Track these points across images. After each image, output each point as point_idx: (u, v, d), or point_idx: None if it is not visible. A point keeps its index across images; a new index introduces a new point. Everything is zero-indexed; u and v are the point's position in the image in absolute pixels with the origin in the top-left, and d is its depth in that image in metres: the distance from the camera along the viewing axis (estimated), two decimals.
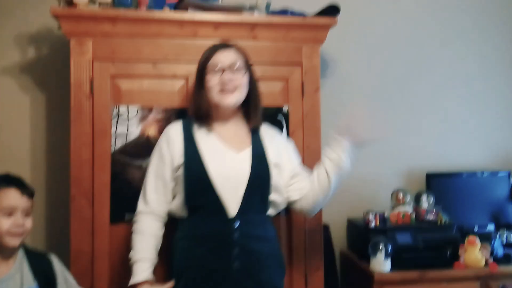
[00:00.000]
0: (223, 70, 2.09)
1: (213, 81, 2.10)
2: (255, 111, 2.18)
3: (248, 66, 2.17)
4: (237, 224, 2.01)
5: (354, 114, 2.12)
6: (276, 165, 2.14)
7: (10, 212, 1.86)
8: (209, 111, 2.14)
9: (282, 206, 2.22)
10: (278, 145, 2.21)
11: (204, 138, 2.13)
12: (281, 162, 2.17)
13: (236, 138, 2.16)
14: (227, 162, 2.07)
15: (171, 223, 2.15)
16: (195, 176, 2.05)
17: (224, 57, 2.11)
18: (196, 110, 2.15)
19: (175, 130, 2.16)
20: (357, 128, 2.09)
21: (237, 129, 2.18)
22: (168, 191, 2.13)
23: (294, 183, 2.20)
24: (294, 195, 2.19)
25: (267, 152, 2.14)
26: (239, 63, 2.12)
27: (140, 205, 2.14)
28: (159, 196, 2.12)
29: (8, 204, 1.86)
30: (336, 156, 2.09)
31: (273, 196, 2.13)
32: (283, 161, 2.19)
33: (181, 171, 2.07)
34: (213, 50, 2.14)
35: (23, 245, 1.94)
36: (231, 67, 2.10)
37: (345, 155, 2.09)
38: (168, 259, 2.12)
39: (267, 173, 2.10)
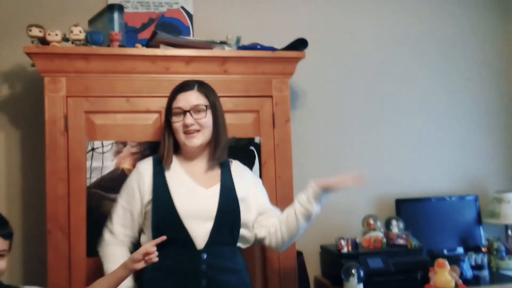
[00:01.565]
0: (185, 113, 2.13)
1: (177, 123, 2.14)
2: (216, 149, 2.17)
3: (213, 104, 2.18)
4: (204, 256, 2.03)
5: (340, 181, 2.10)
6: (243, 201, 2.16)
7: None
8: (170, 153, 2.18)
9: (251, 241, 2.22)
10: (247, 182, 2.24)
11: (173, 174, 2.16)
12: (248, 198, 2.19)
13: (205, 174, 2.19)
14: (195, 198, 2.10)
15: None
16: (163, 211, 2.07)
17: (185, 100, 2.13)
18: (162, 149, 2.19)
19: (146, 166, 2.19)
20: (337, 185, 2.09)
21: (206, 165, 2.20)
22: (135, 226, 2.16)
23: (262, 220, 2.22)
24: (261, 232, 2.21)
25: (236, 188, 2.17)
26: (201, 104, 2.14)
27: (107, 236, 2.17)
28: (126, 230, 2.16)
29: None
30: (307, 202, 2.09)
31: (241, 231, 2.14)
32: (251, 197, 2.21)
33: (150, 207, 2.11)
34: (176, 92, 2.18)
35: None
36: (192, 110, 2.13)
37: (317, 202, 2.09)
38: None
39: (236, 208, 2.12)
